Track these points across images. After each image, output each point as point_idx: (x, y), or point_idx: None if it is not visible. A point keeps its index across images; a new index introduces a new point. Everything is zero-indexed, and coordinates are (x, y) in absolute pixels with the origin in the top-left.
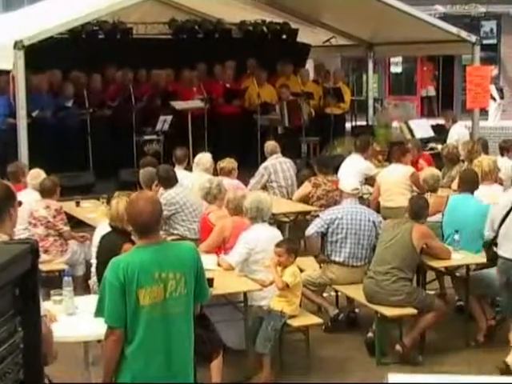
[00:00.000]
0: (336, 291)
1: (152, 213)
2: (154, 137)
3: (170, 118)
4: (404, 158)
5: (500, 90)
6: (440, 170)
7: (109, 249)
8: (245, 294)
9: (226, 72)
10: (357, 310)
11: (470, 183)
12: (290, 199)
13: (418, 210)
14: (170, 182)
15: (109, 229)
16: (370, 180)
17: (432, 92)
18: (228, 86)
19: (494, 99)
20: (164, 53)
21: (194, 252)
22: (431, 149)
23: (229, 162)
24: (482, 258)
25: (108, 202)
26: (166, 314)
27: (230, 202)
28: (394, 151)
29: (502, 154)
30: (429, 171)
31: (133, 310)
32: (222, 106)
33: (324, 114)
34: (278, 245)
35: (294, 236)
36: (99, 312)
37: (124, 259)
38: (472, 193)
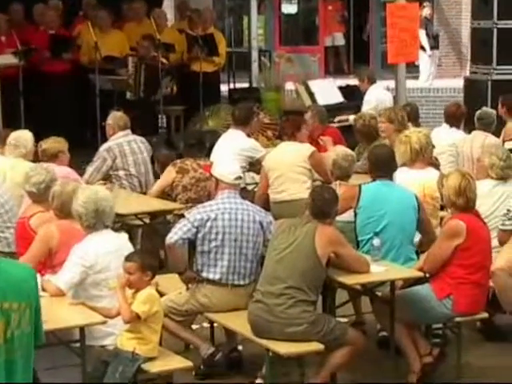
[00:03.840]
0: (211, 322)
1: None
2: None
3: None
4: (298, 132)
5: (433, 38)
6: (352, 149)
7: None
8: (81, 329)
9: (50, 14)
10: (240, 348)
11: (384, 165)
12: (145, 193)
13: (322, 206)
14: None
15: None
16: (256, 165)
17: (340, 40)
18: (53, 33)
19: (424, 49)
20: None
21: (34, 276)
22: (340, 120)
23: (54, 142)
24: (411, 270)
25: None
26: (7, 361)
27: (56, 199)
28: (285, 123)
29: (452, 124)
30: (341, 151)
31: None
32: (46, 63)
33: (190, 73)
34: (127, 258)
35: (151, 245)
36: None
37: None
38: (390, 178)
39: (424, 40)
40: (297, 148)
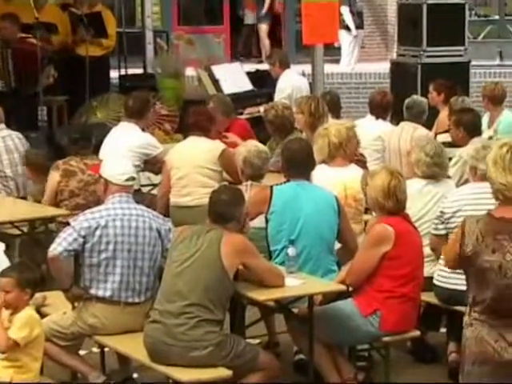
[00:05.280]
0: (101, 346)
1: None
2: None
3: None
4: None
5: (357, 15)
6: (264, 143)
7: None
8: None
9: None
10: (135, 376)
11: (299, 163)
12: (22, 198)
13: (221, 208)
14: None
15: None
16: (152, 163)
17: (251, 19)
18: None
19: (349, 29)
20: None
21: None
22: (250, 112)
23: None
24: (332, 283)
25: None
26: None
27: None
28: (193, 116)
29: (377, 115)
30: (253, 146)
31: None
32: None
33: (74, 58)
34: (2, 274)
35: (30, 258)
36: None
37: None
38: (307, 178)
39: (348, 18)
40: (206, 146)
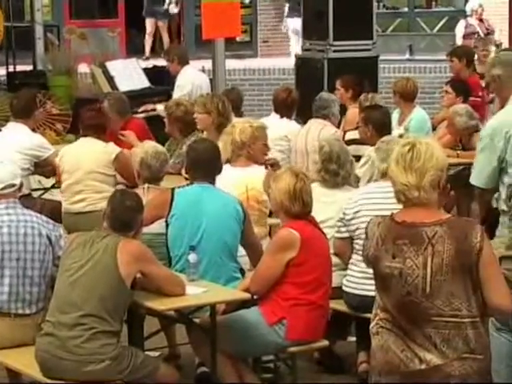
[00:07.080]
0: None
1: None
2: None
3: None
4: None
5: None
6: (163, 144)
7: None
8: None
9: None
10: None
11: (206, 165)
12: None
13: (123, 216)
14: None
15: None
16: (42, 166)
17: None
18: None
19: None
20: None
21: None
22: (145, 110)
23: None
24: (235, 291)
25: None
26: None
27: None
28: (87, 116)
29: (282, 114)
30: (150, 147)
31: None
32: None
33: None
34: None
35: None
36: None
37: None
38: (212, 181)
39: None
40: (99, 149)
